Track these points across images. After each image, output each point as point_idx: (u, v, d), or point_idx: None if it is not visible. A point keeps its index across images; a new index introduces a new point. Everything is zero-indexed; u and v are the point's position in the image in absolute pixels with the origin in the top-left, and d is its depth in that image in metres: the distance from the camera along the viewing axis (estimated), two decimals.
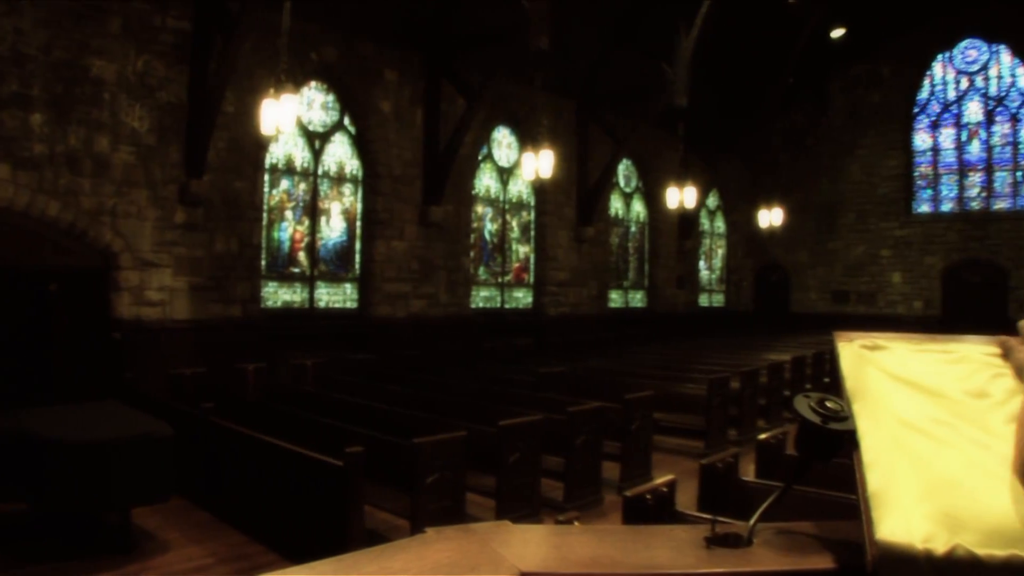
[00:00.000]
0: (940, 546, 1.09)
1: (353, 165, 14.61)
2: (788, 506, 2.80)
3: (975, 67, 23.96)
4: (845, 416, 1.37)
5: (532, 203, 18.64)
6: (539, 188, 18.22)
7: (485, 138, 17.14)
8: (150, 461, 6.31)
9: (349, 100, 14.48)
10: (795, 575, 1.28)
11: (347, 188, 14.52)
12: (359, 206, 14.67)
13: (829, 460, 1.41)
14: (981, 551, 1.08)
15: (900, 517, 1.13)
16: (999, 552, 1.07)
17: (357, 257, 14.62)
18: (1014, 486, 1.17)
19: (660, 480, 4.28)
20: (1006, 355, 1.46)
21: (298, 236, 13.78)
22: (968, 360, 1.49)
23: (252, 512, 7.01)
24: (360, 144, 14.64)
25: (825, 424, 1.35)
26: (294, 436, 7.08)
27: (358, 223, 14.65)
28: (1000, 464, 1.22)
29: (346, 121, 14.54)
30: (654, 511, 3.97)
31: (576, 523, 3.50)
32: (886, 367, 1.48)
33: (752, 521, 1.39)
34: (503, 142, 17.85)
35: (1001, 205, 23.84)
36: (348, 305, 14.44)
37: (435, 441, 6.45)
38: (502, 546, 1.29)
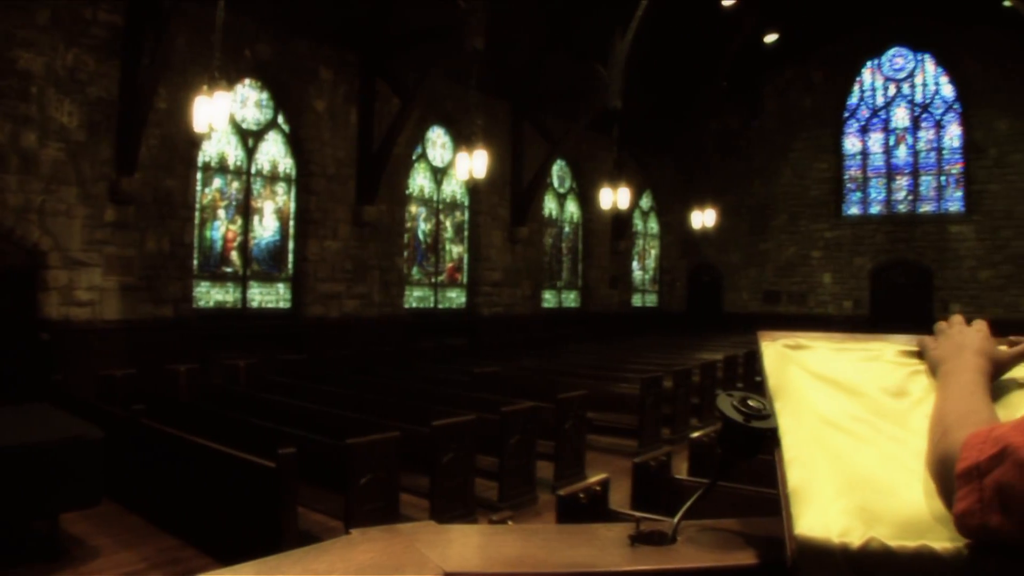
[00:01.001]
0: (856, 539, 1.12)
1: (287, 164, 14.73)
2: (718, 503, 3.03)
3: (902, 74, 25.09)
4: (767, 414, 1.40)
5: (466, 203, 18.94)
6: (473, 188, 18.50)
7: (419, 138, 17.37)
8: (79, 465, 6.24)
9: (283, 98, 14.60)
10: (717, 571, 1.29)
11: (280, 187, 14.64)
12: (292, 205, 14.78)
13: (752, 458, 1.43)
14: (894, 543, 1.11)
15: (818, 512, 1.16)
16: (910, 543, 1.11)
17: (290, 257, 14.74)
18: (927, 480, 1.20)
19: (593, 479, 4.35)
20: (922, 354, 1.51)
21: (231, 235, 13.86)
22: (887, 359, 1.54)
23: (185, 515, 7.03)
24: (294, 143, 14.76)
25: (747, 422, 1.38)
26: (227, 437, 7.10)
27: (291, 222, 14.77)
28: (915, 459, 1.25)
29: (280, 119, 14.65)
30: (588, 510, 4.02)
31: (509, 522, 3.60)
32: (808, 366, 1.52)
33: (676, 519, 1.40)
34: (437, 142, 18.11)
35: (926, 208, 24.97)
36: (281, 305, 14.57)
37: (368, 442, 6.52)
38: (427, 546, 1.29)
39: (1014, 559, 0.98)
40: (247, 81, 14.15)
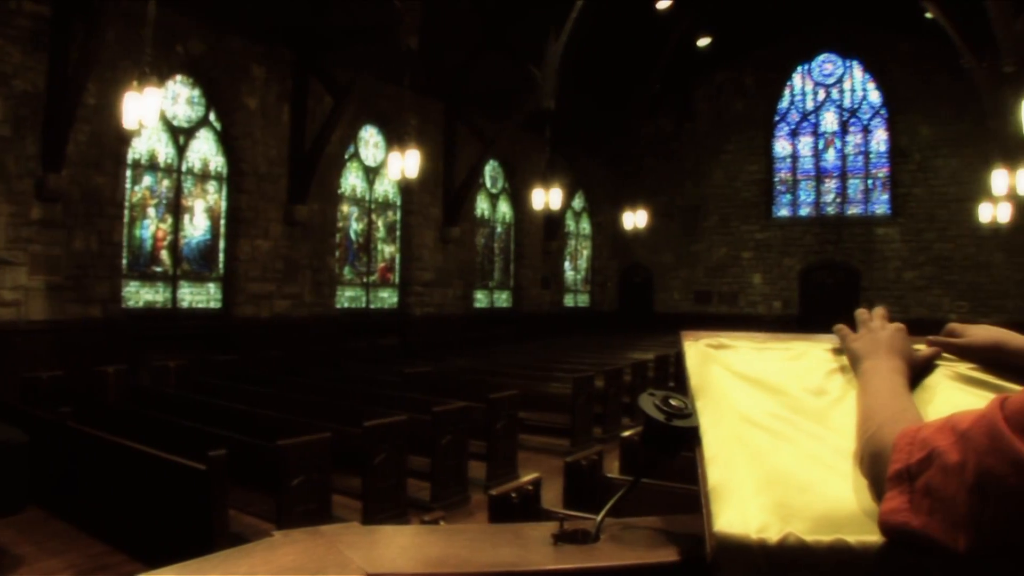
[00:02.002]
0: (773, 535, 1.14)
1: (218, 162, 14.81)
2: (650, 500, 3.14)
3: (831, 80, 26.12)
4: (689, 413, 1.43)
5: (398, 203, 19.15)
6: (405, 188, 18.72)
7: (352, 137, 17.54)
8: (2, 470, 6.06)
9: (215, 95, 14.67)
10: (639, 569, 1.31)
11: (211, 185, 14.71)
12: (223, 204, 14.86)
13: (675, 456, 1.46)
14: (810, 538, 1.13)
15: (737, 509, 1.18)
16: (825, 538, 1.13)
17: (221, 256, 14.81)
18: (844, 476, 1.23)
19: (525, 479, 4.44)
20: (840, 351, 1.55)
21: (161, 234, 13.90)
22: (807, 357, 1.57)
23: (114, 520, 6.91)
24: (225, 141, 14.84)
25: (669, 421, 1.41)
26: (157, 440, 6.97)
27: (222, 221, 14.83)
28: (833, 455, 1.28)
29: (211, 117, 14.71)
30: (519, 509, 4.08)
31: (441, 523, 3.63)
32: (729, 365, 1.55)
33: (599, 517, 1.42)
34: (370, 141, 18.29)
35: (854, 210, 26.03)
36: (212, 305, 14.64)
37: (300, 443, 6.56)
38: (349, 548, 1.30)
39: (925, 553, 1.02)
40: (178, 77, 14.15)
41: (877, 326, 1.50)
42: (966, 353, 1.45)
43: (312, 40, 15.51)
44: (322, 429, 7.17)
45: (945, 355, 1.48)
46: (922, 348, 1.49)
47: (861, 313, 1.55)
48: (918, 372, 1.43)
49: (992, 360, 1.42)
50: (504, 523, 3.80)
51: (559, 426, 11.42)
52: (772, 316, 25.99)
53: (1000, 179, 17.29)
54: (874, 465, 1.15)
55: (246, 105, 14.91)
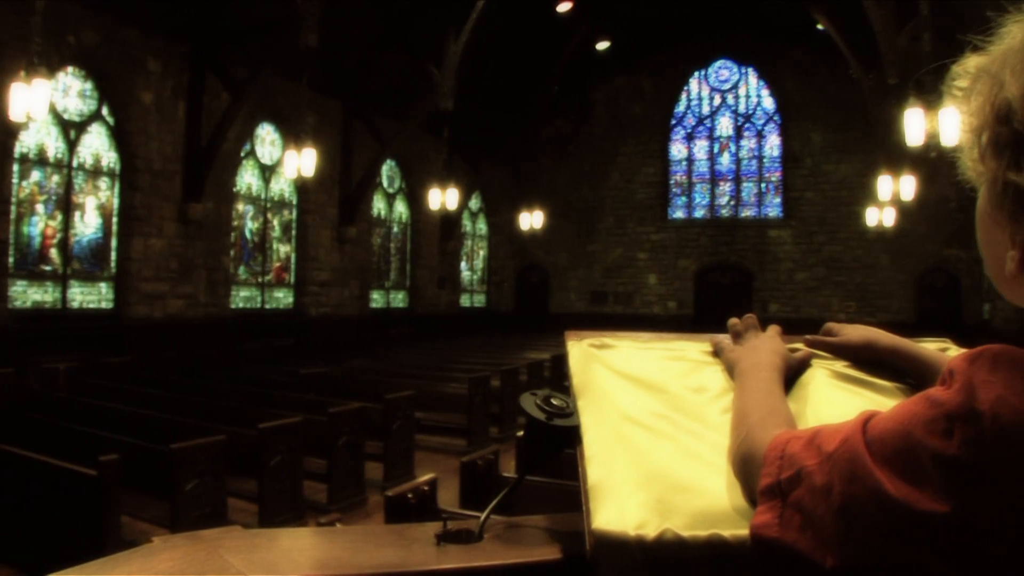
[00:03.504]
0: (651, 531, 1.15)
1: (111, 158, 14.72)
2: (544, 498, 3.53)
3: (727, 86, 27.24)
4: (570, 412, 1.44)
5: (294, 202, 19.22)
6: (302, 187, 18.75)
7: (248, 134, 17.58)
8: None
9: (108, 89, 14.57)
10: (522, 567, 1.33)
11: (103, 182, 14.63)
12: (116, 201, 14.77)
13: (557, 455, 1.47)
14: (687, 533, 1.14)
15: (615, 507, 1.19)
16: (702, 533, 1.14)
17: (113, 255, 14.72)
18: (721, 472, 1.25)
19: (422, 479, 4.53)
20: (717, 353, 1.57)
21: (50, 232, 13.77)
22: (689, 356, 1.60)
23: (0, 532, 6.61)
24: (119, 136, 14.76)
25: (550, 421, 1.42)
26: (46, 446, 6.87)
27: (115, 219, 14.73)
28: (712, 452, 1.30)
29: (104, 111, 14.62)
30: (416, 509, 4.15)
31: (338, 524, 3.84)
32: (612, 364, 1.56)
33: (483, 516, 1.44)
34: (267, 139, 18.34)
35: (748, 213, 27.14)
36: (103, 305, 14.55)
37: (193, 446, 6.54)
38: (230, 552, 1.29)
39: (796, 564, 1.02)
40: (70, 69, 13.95)
41: (751, 333, 1.55)
42: (841, 351, 1.53)
43: (210, 35, 15.46)
44: (216, 432, 7.15)
45: (822, 353, 1.55)
46: (800, 347, 1.56)
47: (734, 323, 1.59)
48: (795, 372, 1.48)
49: (865, 357, 1.51)
50: (402, 523, 3.76)
51: (456, 426, 11.59)
52: (667, 316, 26.77)
53: (885, 185, 18.36)
54: (744, 469, 1.19)
55: (141, 99, 14.82)
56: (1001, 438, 0.78)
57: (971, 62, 0.93)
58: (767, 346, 1.48)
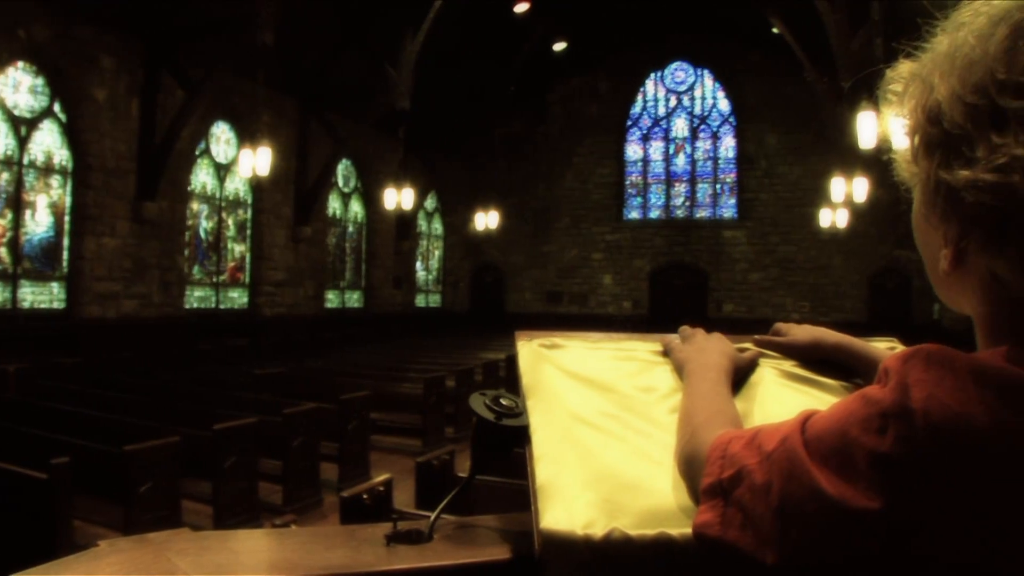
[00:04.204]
0: (599, 531, 1.15)
1: (63, 155, 14.57)
2: (501, 498, 3.57)
3: (683, 87, 27.67)
4: (519, 412, 1.45)
5: (249, 201, 19.16)
6: (257, 186, 18.69)
7: (203, 133, 17.48)
8: None
9: (60, 85, 14.41)
10: (471, 567, 1.33)
11: (55, 180, 14.48)
12: (68, 200, 14.63)
13: (506, 456, 1.48)
14: (634, 532, 1.15)
15: (564, 507, 1.20)
16: (650, 532, 1.15)
17: (65, 254, 14.57)
18: (669, 471, 1.26)
19: (377, 480, 4.56)
20: (667, 353, 1.57)
21: (0, 231, 13.63)
22: (638, 356, 1.59)
23: None
24: (71, 133, 14.60)
25: (499, 421, 1.43)
26: None
27: (67, 218, 14.60)
28: (660, 451, 1.31)
29: (56, 108, 14.46)
30: (371, 510, 4.17)
31: (293, 526, 3.85)
32: (561, 364, 1.56)
33: (433, 516, 1.44)
34: (222, 137, 18.24)
35: (703, 214, 27.62)
36: (55, 306, 14.41)
37: (147, 448, 6.50)
38: (178, 555, 1.28)
39: (738, 563, 1.02)
40: (20, 64, 13.79)
41: (699, 335, 1.55)
42: (789, 351, 1.55)
43: (165, 32, 15.32)
44: (171, 433, 7.12)
45: (771, 353, 1.56)
46: (748, 346, 1.57)
47: (684, 329, 1.59)
48: (744, 372, 1.49)
49: (812, 357, 1.53)
50: (357, 524, 3.39)
51: (411, 426, 11.64)
52: (622, 316, 27.11)
53: (838, 187, 18.74)
54: (689, 469, 1.19)
55: (94, 96, 14.67)
56: (932, 435, 0.80)
57: (903, 68, 0.98)
58: (715, 347, 1.49)
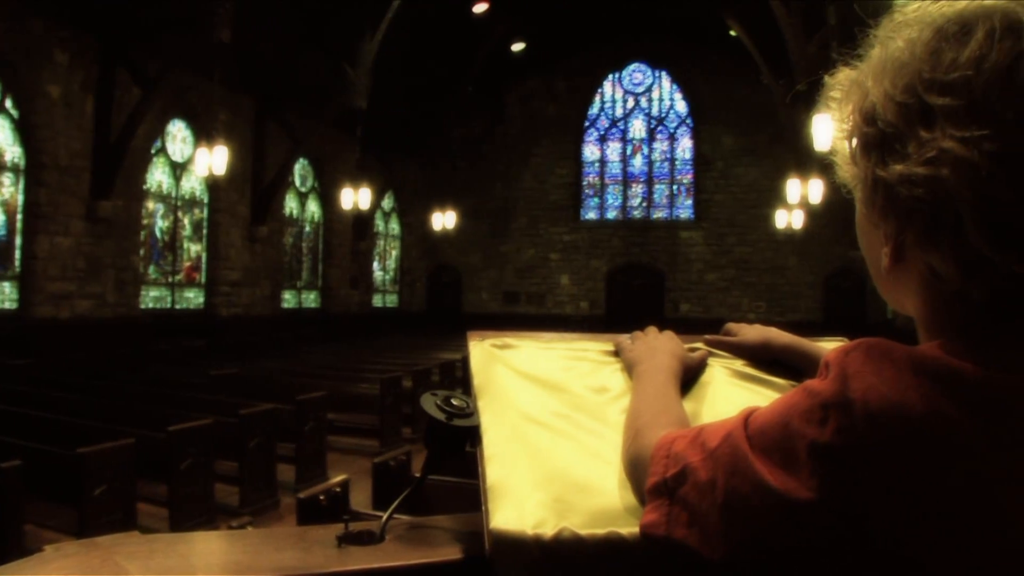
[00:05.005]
0: (549, 530, 1.16)
1: (15, 152, 14.37)
2: (461, 498, 3.51)
3: (641, 89, 27.93)
4: (470, 412, 1.45)
5: (206, 200, 19.04)
6: (213, 185, 18.57)
7: (159, 131, 17.35)
8: None
9: (12, 81, 14.20)
10: (422, 568, 1.33)
11: (7, 177, 14.26)
12: (20, 198, 14.44)
13: (457, 456, 1.48)
14: (584, 531, 1.16)
15: (514, 507, 1.21)
16: (599, 531, 1.16)
17: (17, 253, 14.38)
18: (620, 470, 1.27)
19: (334, 480, 4.54)
20: (618, 353, 1.59)
21: None
22: (590, 357, 1.60)
23: None
24: (23, 130, 14.40)
25: (450, 421, 1.43)
26: None
27: (19, 216, 14.41)
28: (611, 451, 1.31)
29: (8, 104, 14.27)
30: (328, 511, 4.14)
31: (249, 528, 3.85)
32: (513, 364, 1.57)
33: (385, 517, 1.44)
34: (178, 136, 18.10)
35: (660, 214, 27.92)
36: (7, 306, 14.20)
37: (101, 450, 6.42)
38: (127, 559, 1.27)
39: (686, 559, 1.03)
40: None
41: (650, 336, 1.56)
42: (739, 351, 1.57)
43: (121, 28, 15.15)
44: (125, 435, 7.04)
45: (721, 353, 1.58)
46: (699, 346, 1.59)
47: (636, 333, 1.60)
48: (694, 372, 1.50)
49: (762, 357, 1.55)
50: (314, 525, 3.85)
51: (368, 427, 11.63)
52: (579, 316, 27.36)
53: (794, 188, 19.04)
54: (634, 470, 1.20)
55: (47, 93, 14.48)
56: (870, 424, 0.82)
57: (842, 75, 1.02)
58: (665, 347, 1.50)
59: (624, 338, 1.60)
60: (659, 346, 1.50)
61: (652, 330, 1.59)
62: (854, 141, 0.99)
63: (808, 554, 0.87)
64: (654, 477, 1.07)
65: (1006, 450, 0.81)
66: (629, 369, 1.51)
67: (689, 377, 1.49)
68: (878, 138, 0.93)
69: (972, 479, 0.80)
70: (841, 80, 1.02)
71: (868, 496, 0.82)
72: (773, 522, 0.89)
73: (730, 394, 1.46)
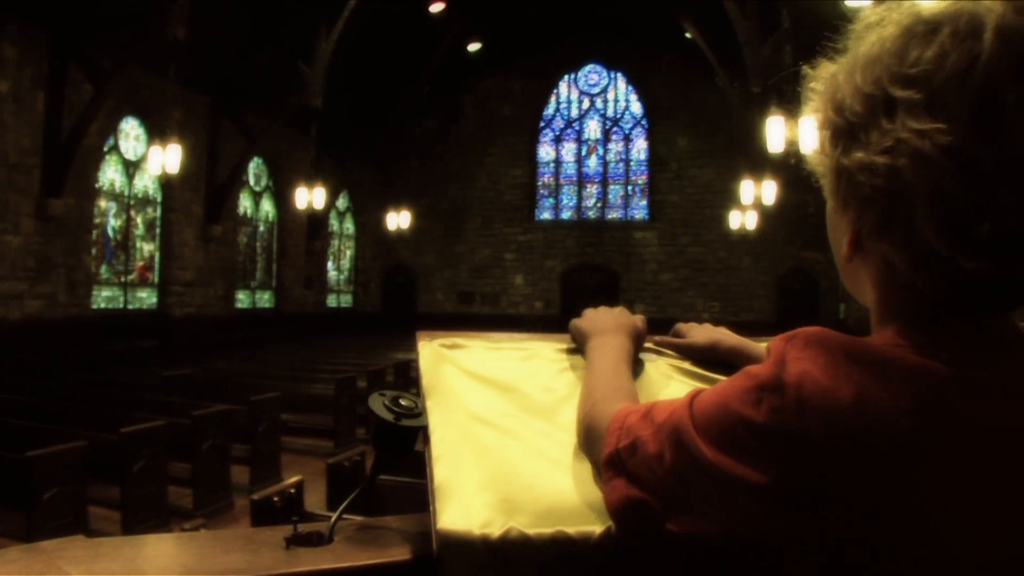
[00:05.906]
0: (496, 530, 1.18)
1: None
2: (406, 498, 3.61)
3: (596, 89, 28.12)
4: (418, 413, 1.46)
5: (159, 199, 18.83)
6: (166, 184, 18.40)
7: (112, 128, 17.10)
8: None
9: None
10: (371, 569, 1.34)
11: None
12: None
13: (405, 456, 1.49)
14: (532, 531, 1.18)
15: (461, 507, 1.22)
16: (547, 530, 1.18)
17: None
18: (567, 470, 1.29)
19: (288, 481, 4.61)
20: (571, 351, 1.62)
21: None
22: (540, 356, 1.62)
23: None
24: None
25: (398, 421, 1.43)
26: None
27: None
28: (559, 451, 1.33)
29: None
30: (282, 513, 4.16)
31: (203, 530, 3.80)
32: (462, 364, 1.58)
33: (333, 518, 1.45)
34: (131, 134, 17.89)
35: (614, 215, 28.12)
36: None
37: (51, 453, 6.38)
38: (70, 563, 1.26)
39: (642, 540, 1.10)
40: None
41: (602, 312, 1.59)
42: (687, 352, 1.60)
43: (73, 23, 14.91)
44: (76, 437, 7.01)
45: (669, 353, 1.60)
46: (649, 345, 1.61)
47: (588, 310, 1.64)
48: (641, 340, 1.56)
49: (710, 358, 1.57)
50: (268, 526, 3.85)
51: (323, 427, 11.67)
52: (534, 316, 27.42)
53: (747, 189, 19.25)
54: (589, 441, 1.23)
55: None
56: (801, 407, 0.86)
57: (823, 69, 1.04)
58: (617, 322, 1.54)
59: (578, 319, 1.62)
60: (611, 319, 1.55)
61: (602, 308, 1.61)
62: (825, 131, 1.02)
63: (744, 527, 0.91)
64: (608, 448, 1.11)
65: (938, 440, 0.84)
66: (580, 340, 1.55)
67: (639, 347, 1.55)
68: (845, 128, 0.96)
69: (902, 467, 0.84)
70: (822, 73, 1.04)
71: (797, 475, 0.86)
72: (716, 498, 0.93)
73: (677, 392, 1.44)
